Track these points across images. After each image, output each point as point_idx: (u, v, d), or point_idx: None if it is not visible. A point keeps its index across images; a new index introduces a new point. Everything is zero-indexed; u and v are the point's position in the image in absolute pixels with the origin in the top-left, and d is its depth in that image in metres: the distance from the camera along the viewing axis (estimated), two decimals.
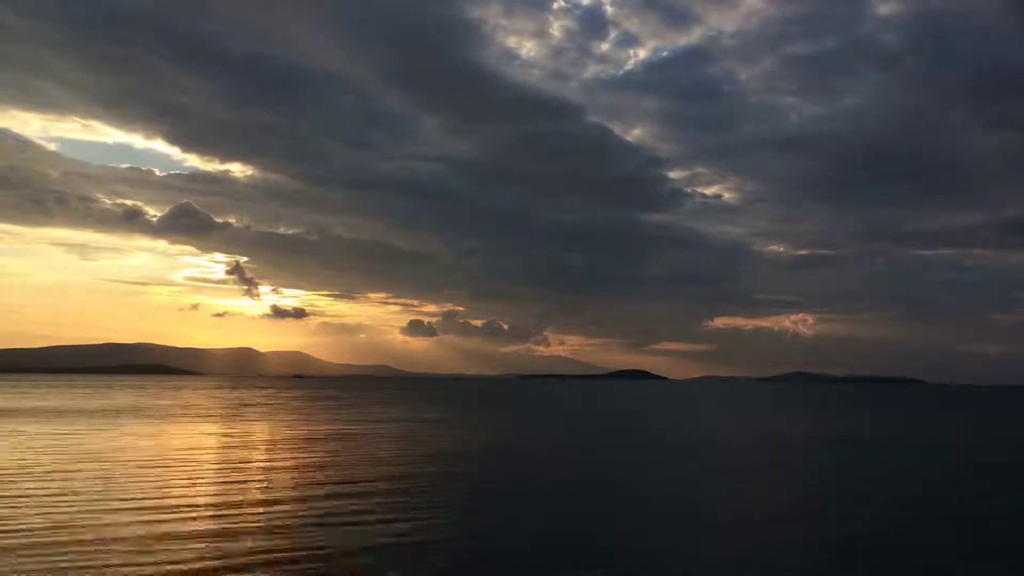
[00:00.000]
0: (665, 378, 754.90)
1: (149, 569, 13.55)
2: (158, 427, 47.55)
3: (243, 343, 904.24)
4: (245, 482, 24.68)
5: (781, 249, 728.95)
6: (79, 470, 26.29)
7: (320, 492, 22.67)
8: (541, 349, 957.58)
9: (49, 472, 25.69)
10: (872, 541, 17.43)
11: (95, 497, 20.85)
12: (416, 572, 14.13)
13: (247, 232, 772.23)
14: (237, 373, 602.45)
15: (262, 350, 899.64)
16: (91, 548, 14.98)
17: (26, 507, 19.20)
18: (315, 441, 39.80)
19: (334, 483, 24.62)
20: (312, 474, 26.71)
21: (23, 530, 16.49)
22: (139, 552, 14.76)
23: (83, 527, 16.88)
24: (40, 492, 21.60)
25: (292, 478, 25.68)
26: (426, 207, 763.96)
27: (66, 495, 21.08)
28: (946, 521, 20.21)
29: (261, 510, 19.60)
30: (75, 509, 19.01)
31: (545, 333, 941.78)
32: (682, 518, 20.14)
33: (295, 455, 32.85)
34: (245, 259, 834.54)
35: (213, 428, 48.08)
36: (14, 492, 21.52)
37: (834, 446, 42.57)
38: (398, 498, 21.87)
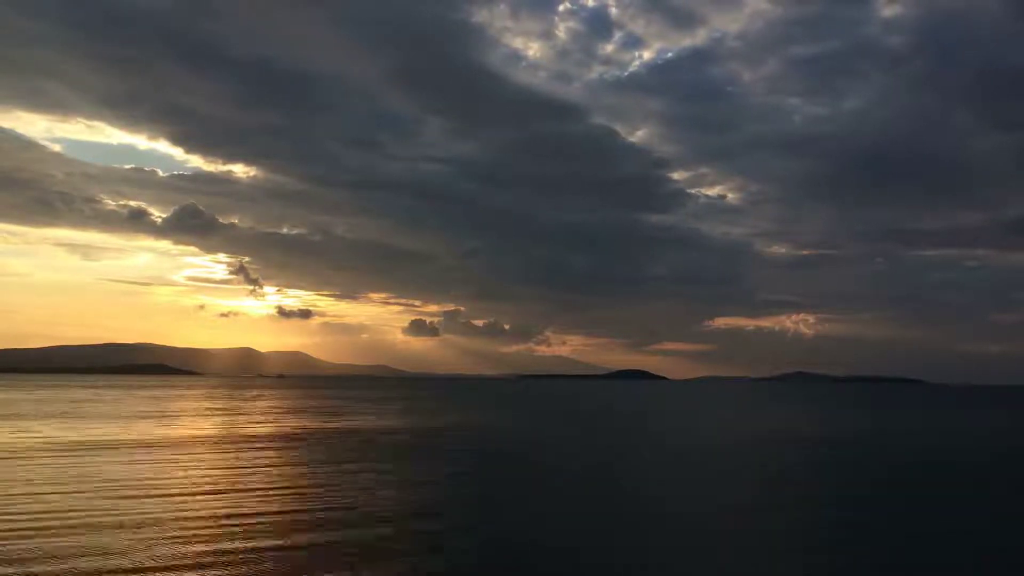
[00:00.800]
0: (665, 378, 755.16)
1: None
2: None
3: (243, 343, 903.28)
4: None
5: (783, 250, 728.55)
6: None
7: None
8: (542, 349, 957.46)
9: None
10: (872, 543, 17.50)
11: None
12: (422, 571, 14.22)
13: (250, 232, 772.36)
14: (237, 373, 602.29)
15: (262, 350, 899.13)
16: None
17: None
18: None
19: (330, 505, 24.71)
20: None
21: None
22: None
23: None
24: None
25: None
26: (429, 208, 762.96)
27: None
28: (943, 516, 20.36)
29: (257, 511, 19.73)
30: None
31: (546, 333, 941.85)
32: (681, 519, 20.24)
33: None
34: (247, 259, 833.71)
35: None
36: None
37: (834, 446, 42.65)
38: (404, 498, 22.02)
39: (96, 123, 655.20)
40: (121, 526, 17.34)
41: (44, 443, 36.23)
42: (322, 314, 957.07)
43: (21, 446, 34.69)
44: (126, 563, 14.16)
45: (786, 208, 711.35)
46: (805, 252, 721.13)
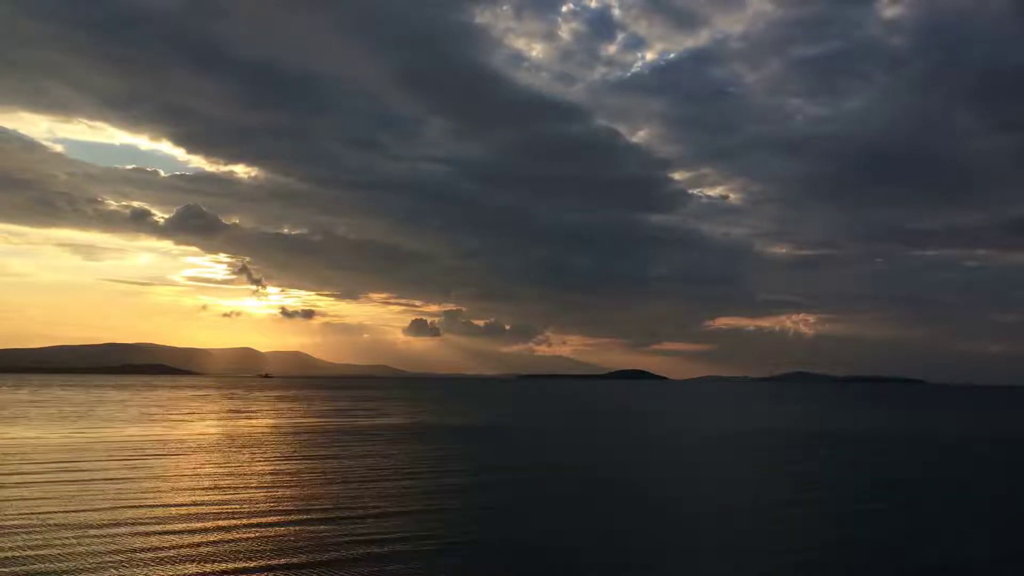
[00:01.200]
0: (665, 378, 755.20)
1: None
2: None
3: (244, 343, 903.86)
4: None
5: (783, 250, 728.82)
6: None
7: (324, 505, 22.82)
8: (542, 349, 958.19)
9: None
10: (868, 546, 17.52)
11: None
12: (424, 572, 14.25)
13: (251, 233, 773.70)
14: (237, 373, 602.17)
15: (262, 350, 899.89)
16: None
17: None
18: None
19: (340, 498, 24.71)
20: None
21: None
22: None
23: None
24: None
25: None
26: (430, 208, 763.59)
27: None
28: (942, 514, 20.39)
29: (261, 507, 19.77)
30: None
31: (546, 333, 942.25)
32: (682, 518, 20.25)
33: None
34: (248, 259, 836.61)
35: None
36: None
37: (834, 446, 42.65)
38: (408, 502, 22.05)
39: (98, 124, 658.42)
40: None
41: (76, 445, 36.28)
42: (323, 314, 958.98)
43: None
44: None
45: (787, 208, 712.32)
46: (805, 252, 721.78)
